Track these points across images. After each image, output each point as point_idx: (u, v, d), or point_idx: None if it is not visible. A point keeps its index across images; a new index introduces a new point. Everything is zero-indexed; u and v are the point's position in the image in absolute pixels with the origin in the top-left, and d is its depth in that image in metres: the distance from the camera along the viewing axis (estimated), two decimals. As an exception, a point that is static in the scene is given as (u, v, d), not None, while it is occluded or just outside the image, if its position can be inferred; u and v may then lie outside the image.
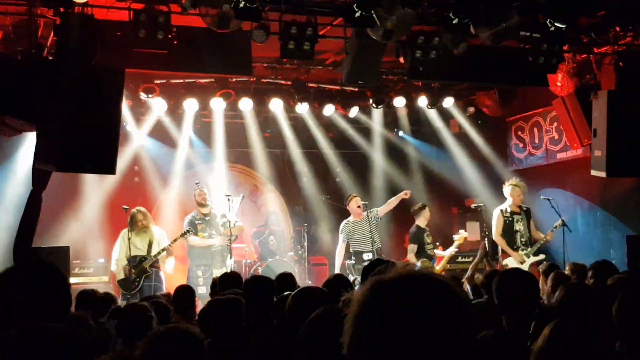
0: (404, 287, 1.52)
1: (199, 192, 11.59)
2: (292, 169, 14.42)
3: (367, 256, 11.02)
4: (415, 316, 1.46)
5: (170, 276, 11.28)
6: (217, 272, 10.29)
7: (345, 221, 11.58)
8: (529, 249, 10.57)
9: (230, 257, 11.10)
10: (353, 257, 11.27)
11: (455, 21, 8.21)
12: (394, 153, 14.54)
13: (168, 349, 3.06)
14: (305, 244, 12.99)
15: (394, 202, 11.64)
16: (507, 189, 10.99)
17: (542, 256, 10.53)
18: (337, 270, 11.09)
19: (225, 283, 6.50)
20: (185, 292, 6.80)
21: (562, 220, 10.38)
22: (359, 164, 14.49)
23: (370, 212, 11.44)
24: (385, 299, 1.51)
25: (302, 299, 3.76)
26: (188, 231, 11.13)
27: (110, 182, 12.12)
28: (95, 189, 12.30)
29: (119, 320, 4.62)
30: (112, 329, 4.67)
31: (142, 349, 3.09)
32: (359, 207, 11.37)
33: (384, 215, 11.77)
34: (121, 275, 10.73)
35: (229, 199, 11.51)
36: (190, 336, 3.14)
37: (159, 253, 10.80)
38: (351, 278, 9.90)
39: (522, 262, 10.41)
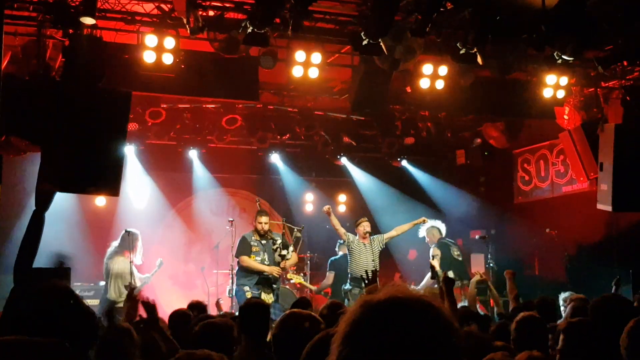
0: (392, 308, 1.52)
1: (266, 219, 10.50)
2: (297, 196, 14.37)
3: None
4: (402, 338, 1.47)
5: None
6: (265, 297, 9.86)
7: (353, 237, 10.93)
8: None
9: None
10: (350, 282, 10.75)
11: (462, 51, 8.23)
12: (399, 182, 14.40)
13: None
14: (308, 272, 12.88)
15: (406, 227, 11.13)
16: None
17: None
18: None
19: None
20: (181, 317, 6.67)
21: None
22: (363, 192, 14.39)
23: (373, 239, 10.93)
24: (373, 319, 1.51)
25: (289, 325, 3.64)
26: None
27: (113, 204, 12.02)
28: (99, 209, 12.26)
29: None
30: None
31: None
32: (366, 232, 10.94)
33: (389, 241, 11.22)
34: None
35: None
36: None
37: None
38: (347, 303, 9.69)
39: None
